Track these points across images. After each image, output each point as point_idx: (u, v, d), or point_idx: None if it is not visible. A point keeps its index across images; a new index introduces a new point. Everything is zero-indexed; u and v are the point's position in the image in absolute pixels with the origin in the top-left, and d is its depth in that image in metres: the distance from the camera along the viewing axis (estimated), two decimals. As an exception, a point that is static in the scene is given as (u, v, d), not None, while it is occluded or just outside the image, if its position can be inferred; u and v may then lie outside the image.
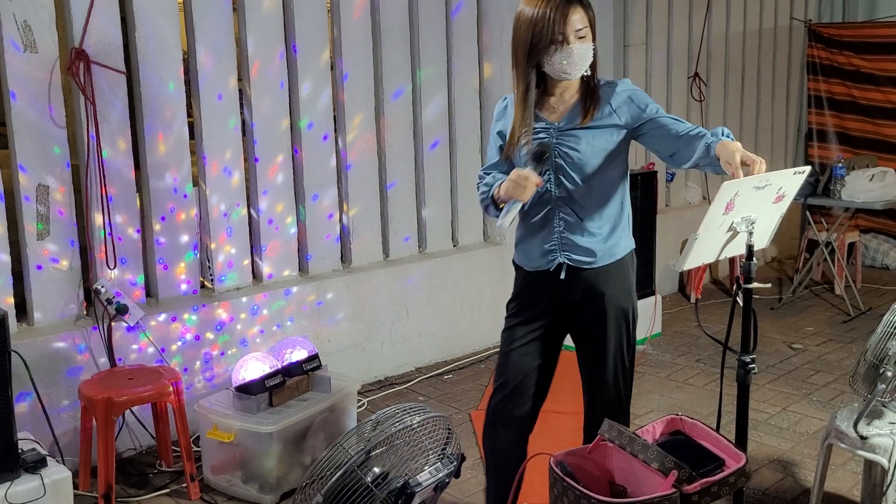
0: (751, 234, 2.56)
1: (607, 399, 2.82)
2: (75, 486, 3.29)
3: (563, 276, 2.67)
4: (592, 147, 2.61)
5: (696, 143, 2.49)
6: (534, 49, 2.54)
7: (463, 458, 2.29)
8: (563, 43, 2.51)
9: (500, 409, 2.84)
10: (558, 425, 4.04)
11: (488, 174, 2.71)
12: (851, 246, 6.49)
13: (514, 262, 2.85)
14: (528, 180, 2.44)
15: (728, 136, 2.45)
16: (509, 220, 2.49)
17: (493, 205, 2.61)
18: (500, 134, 2.71)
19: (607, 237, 2.68)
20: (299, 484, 2.04)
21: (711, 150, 2.43)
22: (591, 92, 2.63)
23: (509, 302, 2.85)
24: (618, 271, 2.72)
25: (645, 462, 2.32)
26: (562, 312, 2.76)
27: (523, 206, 2.62)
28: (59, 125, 3.62)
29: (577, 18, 2.52)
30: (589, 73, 2.62)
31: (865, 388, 2.91)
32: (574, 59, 2.53)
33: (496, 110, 2.77)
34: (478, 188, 2.73)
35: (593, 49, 2.60)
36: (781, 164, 7.62)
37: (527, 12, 2.55)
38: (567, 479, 2.29)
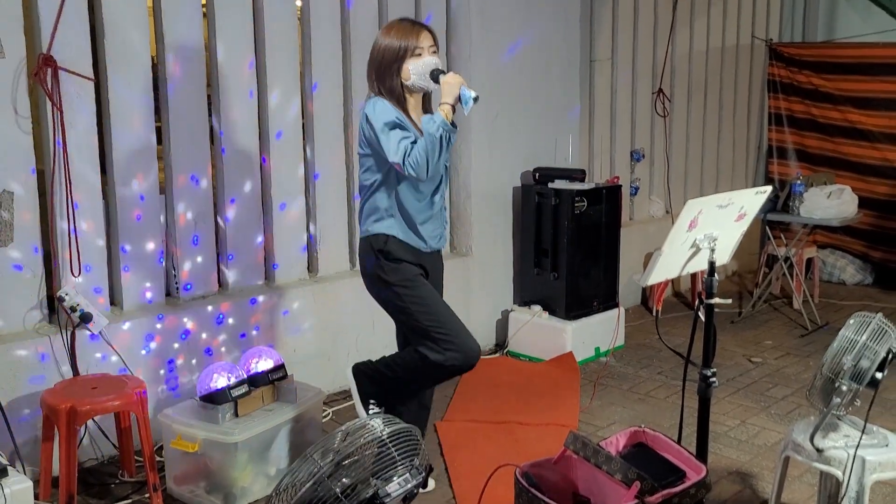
0: (713, 250, 2.63)
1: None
2: (36, 497, 3.25)
3: (439, 252, 3.44)
4: None
5: None
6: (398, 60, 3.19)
7: (431, 469, 2.31)
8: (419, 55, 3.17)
9: (473, 356, 3.33)
10: (522, 436, 4.08)
11: (413, 141, 3.07)
12: (809, 261, 6.63)
13: (394, 247, 3.26)
14: (454, 76, 3.07)
15: None
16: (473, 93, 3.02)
17: (451, 122, 3.04)
18: (399, 118, 3.14)
19: None
20: (268, 495, 2.05)
21: None
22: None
23: (402, 272, 3.28)
24: None
25: (608, 473, 2.37)
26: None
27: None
28: (24, 131, 3.58)
29: (426, 36, 3.19)
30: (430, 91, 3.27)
31: (822, 401, 2.98)
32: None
33: (379, 109, 3.14)
34: (409, 155, 3.02)
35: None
36: (742, 180, 7.77)
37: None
38: (532, 490, 2.32)
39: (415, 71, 3.15)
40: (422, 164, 3.00)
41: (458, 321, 3.33)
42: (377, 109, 3.13)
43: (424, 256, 3.34)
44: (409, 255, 3.28)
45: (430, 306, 3.30)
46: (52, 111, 3.61)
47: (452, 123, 3.03)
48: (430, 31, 3.23)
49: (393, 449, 2.04)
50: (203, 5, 4.17)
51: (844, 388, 2.88)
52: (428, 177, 3.07)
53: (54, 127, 3.62)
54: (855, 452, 2.85)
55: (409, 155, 3.02)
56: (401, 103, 3.19)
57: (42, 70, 3.56)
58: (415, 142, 3.05)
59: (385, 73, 3.18)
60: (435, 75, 3.12)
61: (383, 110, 3.12)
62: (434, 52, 3.19)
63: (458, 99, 3.02)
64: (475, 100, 3.00)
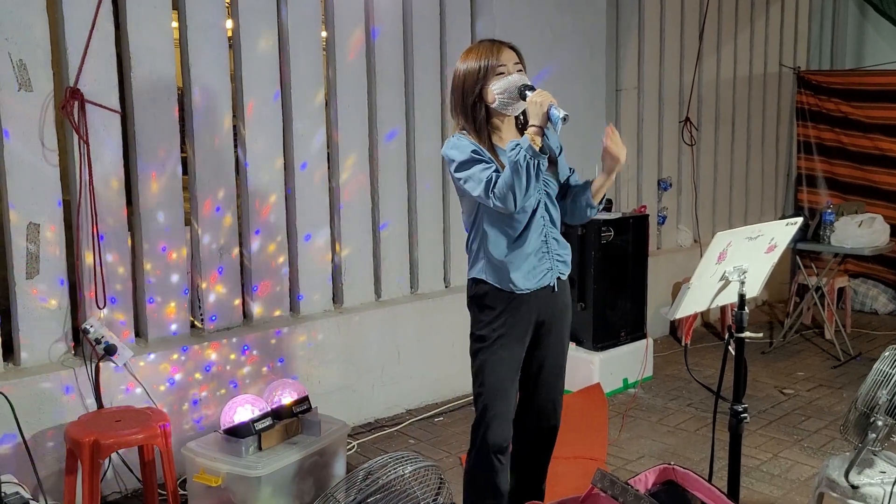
0: (742, 283, 2.58)
1: (558, 400, 3.12)
2: (58, 530, 3.24)
3: (556, 289, 2.96)
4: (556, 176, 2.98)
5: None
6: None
7: (454, 508, 2.27)
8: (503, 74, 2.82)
9: (499, 440, 3.00)
10: (550, 470, 4.00)
11: (496, 171, 2.75)
12: (841, 291, 6.51)
13: (485, 293, 2.97)
14: (542, 93, 2.69)
15: None
16: (562, 113, 2.65)
17: (540, 147, 2.68)
18: (476, 151, 2.81)
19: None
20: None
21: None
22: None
23: (486, 327, 2.98)
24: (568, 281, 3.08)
25: (637, 513, 2.30)
26: (537, 329, 2.99)
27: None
28: (51, 163, 3.61)
29: (510, 54, 2.85)
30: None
31: (856, 436, 2.90)
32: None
33: (453, 147, 2.85)
34: (494, 186, 2.70)
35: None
36: (771, 208, 7.67)
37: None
38: (559, 530, 2.26)
39: (499, 90, 2.79)
40: (507, 195, 2.66)
41: (509, 408, 3.01)
42: (452, 147, 2.84)
43: (527, 299, 2.92)
44: (506, 303, 2.92)
45: (491, 370, 2.98)
46: (79, 143, 3.64)
47: (542, 149, 2.66)
48: (514, 49, 2.88)
49: (416, 487, 2.00)
50: (229, 37, 4.20)
51: (880, 423, 2.81)
52: (517, 209, 2.72)
53: (81, 159, 3.65)
54: (892, 489, 2.76)
55: (494, 186, 2.70)
56: (485, 135, 2.86)
57: (69, 103, 3.59)
58: (498, 171, 2.75)
59: (467, 101, 2.84)
60: (523, 92, 2.75)
61: (457, 147, 2.82)
62: (520, 71, 2.83)
63: (547, 119, 2.66)
64: (564, 120, 2.63)
